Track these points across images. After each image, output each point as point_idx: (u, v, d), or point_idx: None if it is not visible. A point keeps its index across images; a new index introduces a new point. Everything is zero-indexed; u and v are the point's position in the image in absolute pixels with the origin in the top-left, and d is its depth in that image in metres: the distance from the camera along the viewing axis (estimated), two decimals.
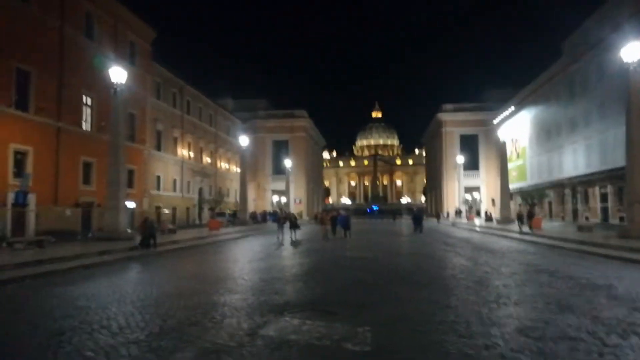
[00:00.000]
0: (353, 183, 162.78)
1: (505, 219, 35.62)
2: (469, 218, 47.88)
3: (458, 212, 53.49)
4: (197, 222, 44.45)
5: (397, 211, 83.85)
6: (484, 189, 61.47)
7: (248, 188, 45.96)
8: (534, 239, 22.43)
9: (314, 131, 75.51)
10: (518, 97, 52.51)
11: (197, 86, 47.04)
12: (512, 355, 5.17)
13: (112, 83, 21.55)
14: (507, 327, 6.35)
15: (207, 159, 49.57)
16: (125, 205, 22.40)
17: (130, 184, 31.76)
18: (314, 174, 77.51)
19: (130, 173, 32.63)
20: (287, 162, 55.07)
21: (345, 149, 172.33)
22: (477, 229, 34.13)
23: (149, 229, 18.97)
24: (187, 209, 43.81)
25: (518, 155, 53.08)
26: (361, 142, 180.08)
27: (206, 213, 42.90)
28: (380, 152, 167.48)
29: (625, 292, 8.77)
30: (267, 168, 66.02)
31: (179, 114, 42.73)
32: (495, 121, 57.54)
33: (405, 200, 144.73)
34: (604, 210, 33.81)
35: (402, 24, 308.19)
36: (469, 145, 62.24)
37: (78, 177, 27.64)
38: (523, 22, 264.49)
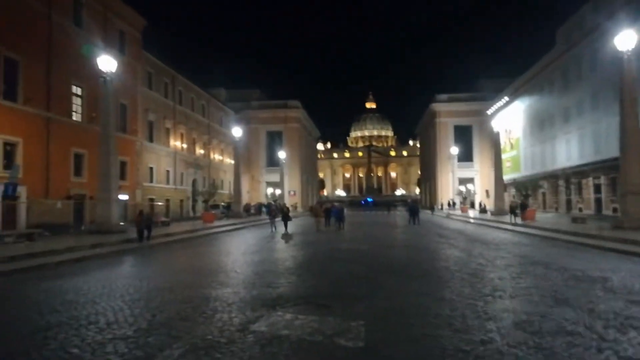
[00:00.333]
0: (347, 175, 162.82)
1: (499, 211, 35.67)
2: (462, 210, 47.95)
3: (452, 204, 53.56)
4: (191, 214, 44.22)
5: (392, 203, 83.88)
6: (478, 180, 61.54)
7: (242, 180, 45.71)
8: (528, 230, 22.42)
9: (307, 122, 75.18)
10: (512, 87, 52.45)
11: (189, 76, 46.60)
12: (509, 350, 5.08)
13: (102, 72, 21.20)
14: (504, 321, 6.25)
15: (200, 151, 49.24)
16: (118, 198, 22.15)
17: (122, 176, 31.46)
18: (309, 165, 77.31)
19: (123, 165, 32.31)
20: (281, 154, 54.83)
21: (339, 140, 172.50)
22: (471, 220, 34.13)
23: (146, 221, 18.85)
24: (181, 201, 43.56)
25: (512, 146, 53.12)
26: (355, 133, 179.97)
27: (200, 205, 42.69)
28: (374, 143, 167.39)
29: (621, 285, 8.71)
30: (261, 159, 65.73)
31: (171, 104, 42.32)
32: (489, 112, 57.50)
33: (399, 192, 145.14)
34: (598, 201, 33.91)
35: (396, 15, 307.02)
36: (463, 136, 62.18)
37: (69, 169, 27.30)
38: (517, 11, 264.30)
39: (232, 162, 47.46)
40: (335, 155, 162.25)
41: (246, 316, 6.68)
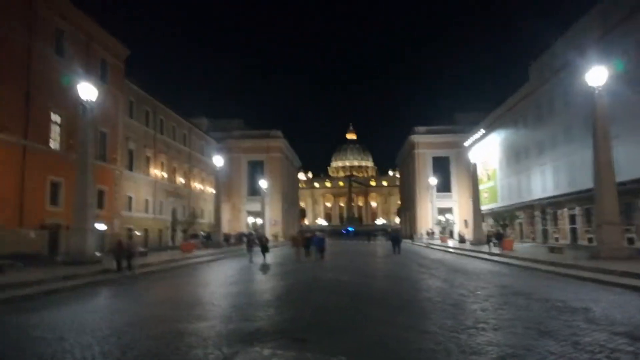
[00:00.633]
0: (329, 204, 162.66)
1: (478, 240, 35.76)
2: (442, 239, 48.01)
3: (431, 233, 53.65)
4: (170, 244, 43.24)
5: (372, 232, 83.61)
6: (456, 210, 61.93)
7: (223, 209, 45.12)
8: (507, 260, 22.42)
9: (289, 152, 75.27)
10: (488, 120, 53.54)
11: (171, 105, 46.37)
12: None
13: (81, 100, 20.86)
14: (488, 355, 6.04)
15: (180, 179, 48.61)
16: (94, 227, 21.49)
17: (100, 205, 30.69)
18: (290, 194, 77.00)
19: (101, 194, 31.58)
20: (263, 183, 54.49)
21: (320, 170, 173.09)
22: (451, 250, 34.11)
23: (126, 252, 18.38)
24: (160, 230, 42.64)
25: (489, 177, 53.83)
26: (336, 163, 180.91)
27: (180, 235, 41.82)
28: (355, 173, 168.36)
29: (603, 316, 8.60)
30: (242, 188, 65.20)
31: (152, 133, 41.90)
32: (466, 143, 58.39)
33: (380, 221, 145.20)
34: (573, 232, 34.30)
35: (375, 49, 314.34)
36: (442, 167, 62.89)
37: (45, 198, 26.49)
38: (491, 46, 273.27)
39: (213, 191, 46.91)
40: (316, 184, 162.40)
41: (222, 353, 6.32)
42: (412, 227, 68.65)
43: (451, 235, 55.94)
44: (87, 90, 20.84)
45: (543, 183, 38.62)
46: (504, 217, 33.05)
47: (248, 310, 9.68)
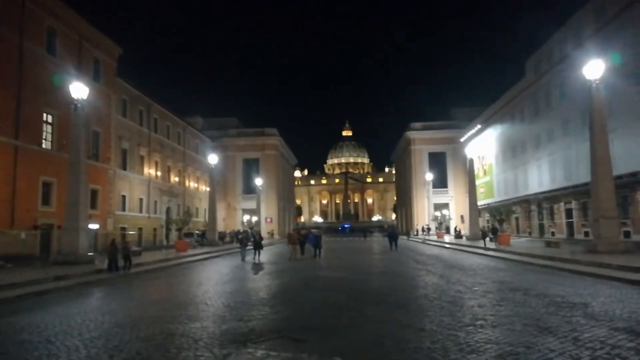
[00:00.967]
0: (325, 201, 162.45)
1: (474, 236, 35.69)
2: (438, 235, 47.95)
3: (427, 229, 53.60)
4: (165, 243, 43.02)
5: (368, 229, 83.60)
6: (453, 205, 61.91)
7: (218, 207, 44.89)
8: (504, 255, 22.33)
9: (285, 149, 75.03)
10: (484, 115, 53.48)
11: (165, 104, 46.10)
12: None
13: (74, 99, 20.59)
14: (487, 354, 5.89)
15: (175, 178, 48.34)
16: (87, 227, 21.24)
17: (93, 205, 30.47)
18: (286, 192, 76.80)
19: (94, 193, 31.34)
20: (258, 181, 54.28)
21: (316, 168, 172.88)
22: (447, 245, 34.03)
23: (123, 251, 18.39)
24: (154, 229, 42.42)
25: (485, 172, 53.82)
26: (332, 161, 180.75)
27: (174, 234, 41.57)
28: (351, 170, 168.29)
29: (602, 311, 8.48)
30: (237, 187, 64.94)
31: (146, 132, 41.60)
32: (462, 139, 58.36)
33: (376, 217, 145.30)
34: (569, 226, 34.30)
35: (371, 46, 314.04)
36: (438, 162, 62.79)
37: (37, 198, 26.23)
38: (487, 42, 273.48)
39: (208, 189, 46.70)
40: (312, 182, 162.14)
41: (214, 354, 6.14)
42: (408, 223, 68.60)
43: (447, 231, 55.92)
44: (79, 89, 20.56)
45: (539, 177, 38.60)
46: (501, 212, 33.01)
47: (242, 310, 9.50)
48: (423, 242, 42.32)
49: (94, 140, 32.22)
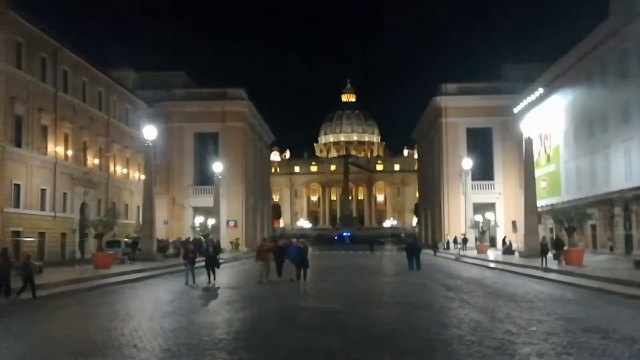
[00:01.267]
0: (315, 198, 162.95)
1: (531, 251, 35.80)
2: (479, 249, 48.14)
3: (464, 241, 53.78)
4: (78, 255, 42.79)
5: (378, 239, 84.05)
6: (501, 206, 62.14)
7: (158, 205, 44.58)
8: (574, 280, 22.42)
9: (256, 120, 74.75)
10: (548, 75, 53.46)
11: (80, 51, 45.53)
12: None
13: None
14: None
15: (94, 160, 47.91)
16: None
17: None
18: (258, 183, 76.64)
19: None
20: (217, 166, 53.96)
21: (303, 148, 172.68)
22: (492, 265, 34.14)
23: (23, 270, 18.57)
24: (63, 235, 42.11)
25: (549, 159, 53.96)
26: (326, 138, 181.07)
27: (92, 242, 41.34)
28: (354, 152, 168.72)
29: None
30: (186, 175, 64.67)
31: (51, 90, 41.16)
32: (516, 109, 58.41)
33: (389, 223, 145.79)
34: None
35: None
36: (481, 143, 62.83)
37: None
38: None
39: (143, 178, 46.30)
40: (297, 169, 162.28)
41: None
42: (435, 231, 68.87)
43: (493, 243, 56.20)
44: None
45: (627, 167, 38.73)
46: (570, 217, 33.12)
47: (187, 357, 9.44)
48: (457, 260, 42.45)
49: None
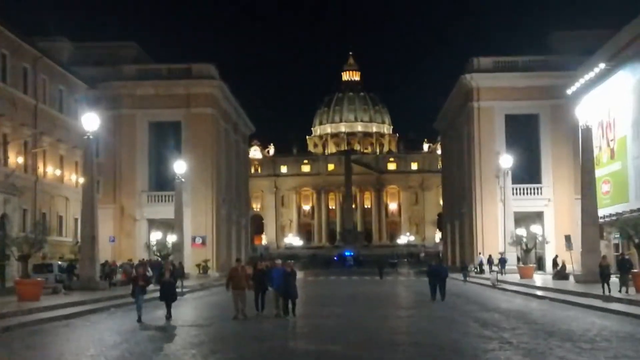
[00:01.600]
0: (307, 207, 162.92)
1: (590, 274, 35.75)
2: (523, 273, 48.04)
3: (502, 262, 53.67)
4: None
5: (389, 260, 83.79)
6: (550, 217, 61.96)
7: (101, 216, 44.43)
8: None
9: (231, 106, 74.60)
10: (611, 45, 53.39)
11: None
12: None
13: None
14: None
15: (17, 159, 47.75)
16: None
17: None
18: (233, 189, 76.45)
19: None
20: (179, 166, 53.71)
21: (292, 142, 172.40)
22: (540, 293, 34.00)
23: None
24: None
25: (613, 155, 53.82)
26: (322, 129, 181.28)
27: (15, 265, 41.17)
28: (358, 147, 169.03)
29: None
30: (139, 177, 64.35)
31: None
32: (570, 90, 58.36)
33: (404, 239, 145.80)
34: None
35: None
36: (524, 135, 62.82)
37: None
38: None
39: (82, 181, 46.13)
40: (284, 169, 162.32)
41: None
42: (465, 249, 68.83)
43: (540, 264, 56.13)
44: None
45: None
46: None
47: None
48: (494, 286, 42.37)
49: None
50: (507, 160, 56.13)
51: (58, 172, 54.39)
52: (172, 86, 65.31)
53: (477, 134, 63.54)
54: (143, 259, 51.97)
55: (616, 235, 43.92)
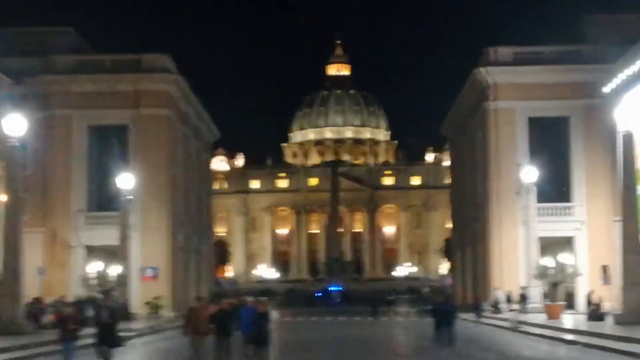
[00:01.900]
0: (284, 230, 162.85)
1: (633, 314, 35.79)
2: (550, 312, 48.04)
3: (523, 299, 53.71)
4: None
5: (385, 296, 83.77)
6: (584, 243, 61.89)
7: (28, 242, 44.18)
8: None
9: (191, 106, 74.52)
10: None
11: None
12: None
13: None
14: None
15: None
16: None
17: None
18: (193, 208, 76.26)
19: None
20: (125, 180, 53.52)
21: (265, 150, 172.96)
22: (570, 337, 33.98)
23: None
24: None
25: None
26: (303, 135, 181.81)
27: None
28: (347, 156, 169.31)
29: None
30: (75, 194, 64.01)
31: None
32: (607, 87, 58.52)
33: (404, 270, 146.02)
34: None
35: None
36: (551, 142, 62.90)
37: None
38: None
39: (4, 198, 45.96)
40: (255, 184, 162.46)
41: None
42: (479, 283, 68.81)
43: (571, 302, 56.14)
44: None
45: None
46: None
47: None
48: (514, 329, 42.33)
49: None
50: (530, 174, 56.13)
51: None
52: (118, 81, 64.97)
53: (494, 141, 63.55)
54: (79, 299, 51.67)
55: None
